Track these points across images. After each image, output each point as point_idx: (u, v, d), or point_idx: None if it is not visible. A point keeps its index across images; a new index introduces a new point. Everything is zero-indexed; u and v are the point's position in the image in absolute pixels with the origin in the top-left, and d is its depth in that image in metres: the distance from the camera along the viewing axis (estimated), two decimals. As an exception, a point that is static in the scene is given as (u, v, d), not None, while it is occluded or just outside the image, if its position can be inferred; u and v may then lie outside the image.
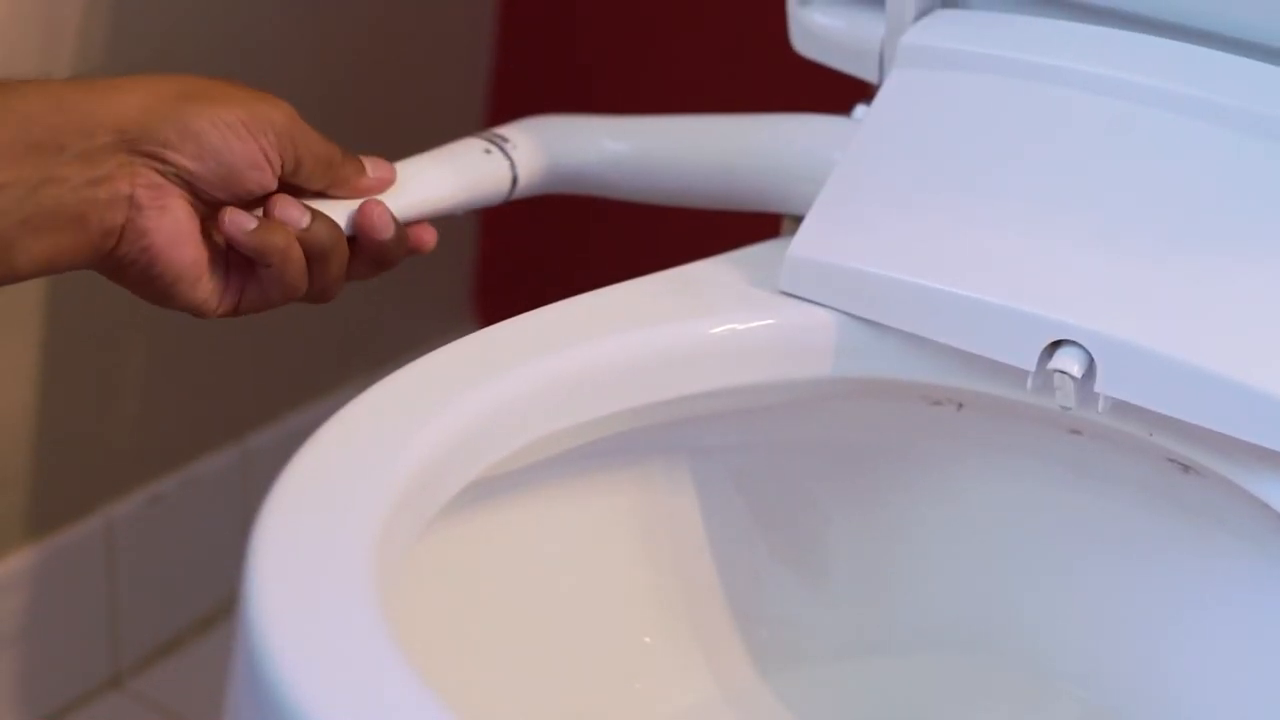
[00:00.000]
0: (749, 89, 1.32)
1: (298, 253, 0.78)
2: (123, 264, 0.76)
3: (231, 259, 0.79)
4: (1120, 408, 0.77)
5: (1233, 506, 0.79)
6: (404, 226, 0.82)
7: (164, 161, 0.75)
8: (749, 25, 1.28)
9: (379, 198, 0.82)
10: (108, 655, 1.26)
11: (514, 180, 0.89)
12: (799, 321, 0.82)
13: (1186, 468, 0.80)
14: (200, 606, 1.32)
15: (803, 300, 0.82)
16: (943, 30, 0.88)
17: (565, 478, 0.81)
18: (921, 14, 0.89)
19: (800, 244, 0.83)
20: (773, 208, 0.92)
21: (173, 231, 0.76)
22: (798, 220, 0.85)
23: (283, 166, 0.78)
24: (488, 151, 0.88)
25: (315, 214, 0.78)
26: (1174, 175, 0.81)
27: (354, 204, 0.81)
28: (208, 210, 0.78)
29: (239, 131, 0.76)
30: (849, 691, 0.88)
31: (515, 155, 0.89)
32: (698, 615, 0.87)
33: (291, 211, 0.78)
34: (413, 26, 1.34)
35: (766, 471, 0.87)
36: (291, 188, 0.80)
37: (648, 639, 0.86)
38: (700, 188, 0.92)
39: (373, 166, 0.82)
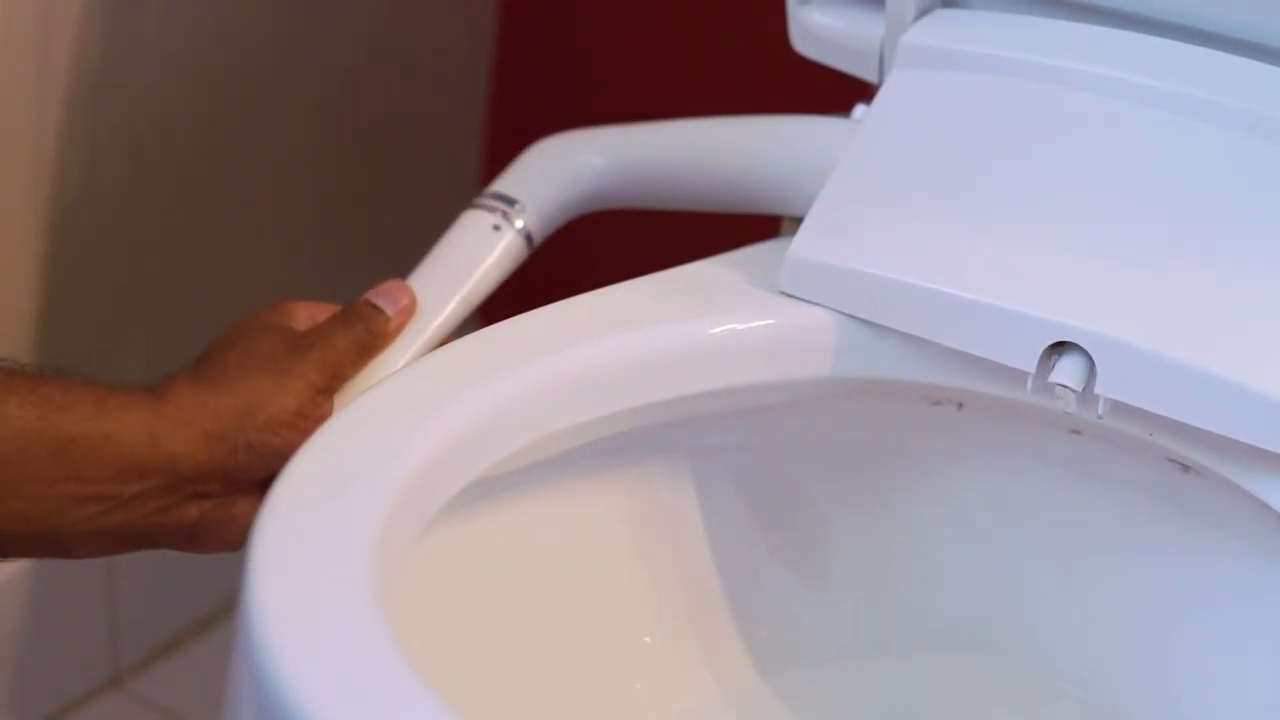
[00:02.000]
0: (749, 89, 1.32)
1: None
2: (183, 550, 0.82)
3: None
4: (1120, 408, 0.77)
5: (1233, 506, 0.79)
6: None
7: (234, 479, 0.79)
8: (749, 25, 1.28)
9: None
10: (108, 655, 1.26)
11: (529, 241, 0.89)
12: (799, 321, 0.82)
13: (1186, 468, 0.80)
14: (200, 606, 1.32)
15: (803, 300, 0.82)
16: (943, 30, 0.88)
17: (565, 478, 0.81)
18: (921, 14, 0.89)
19: (800, 244, 0.83)
20: (773, 209, 0.92)
21: (235, 533, 0.81)
22: (798, 221, 0.85)
23: (331, 395, 0.81)
24: (496, 228, 0.88)
25: None
26: (1174, 176, 0.81)
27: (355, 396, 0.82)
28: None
29: (294, 424, 0.79)
30: (849, 691, 0.88)
31: (524, 218, 0.89)
32: (698, 615, 0.87)
33: None
34: (413, 26, 1.34)
35: (766, 471, 0.87)
36: None
37: (648, 639, 0.86)
38: (702, 193, 0.92)
39: (389, 302, 0.83)
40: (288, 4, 1.23)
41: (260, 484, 0.80)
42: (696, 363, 0.80)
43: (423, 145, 1.40)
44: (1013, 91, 0.84)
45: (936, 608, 0.89)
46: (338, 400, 0.81)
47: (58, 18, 1.09)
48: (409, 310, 0.84)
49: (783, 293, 0.83)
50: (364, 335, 0.82)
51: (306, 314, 0.84)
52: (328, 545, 0.66)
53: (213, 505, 0.80)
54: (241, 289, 1.27)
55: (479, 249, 0.88)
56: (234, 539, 0.81)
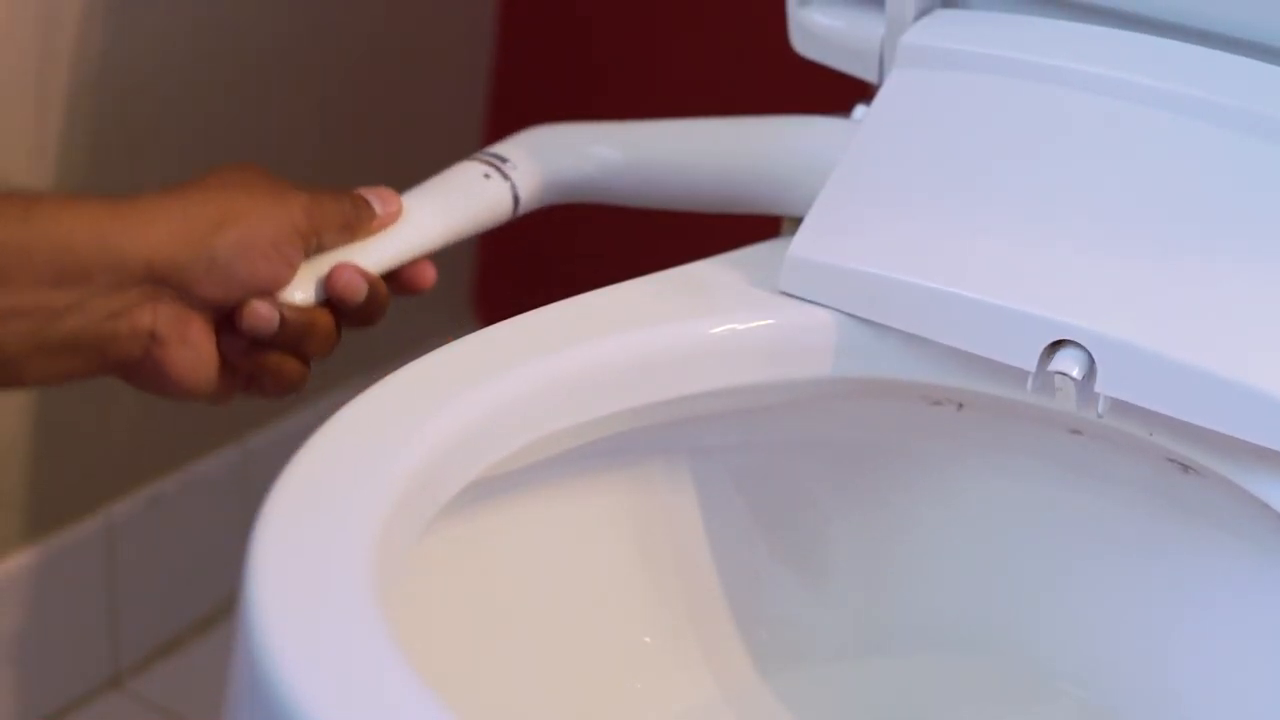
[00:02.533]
0: (749, 89, 1.32)
1: (300, 375, 0.80)
2: (136, 379, 0.78)
3: (238, 365, 0.80)
4: (1120, 407, 0.77)
5: (1233, 506, 0.79)
6: (379, 280, 0.82)
7: (190, 293, 0.77)
8: (749, 25, 1.28)
9: (349, 260, 0.81)
10: (108, 655, 1.26)
11: (515, 201, 0.89)
12: (799, 321, 0.82)
13: (1186, 468, 0.80)
14: (200, 606, 1.32)
15: (803, 300, 0.82)
16: (943, 30, 0.88)
17: (565, 478, 0.81)
18: (921, 14, 0.89)
19: (800, 244, 0.83)
20: (773, 209, 0.92)
21: (191, 361, 0.77)
22: (798, 221, 0.85)
23: (305, 254, 0.80)
24: (487, 176, 0.88)
25: (283, 314, 0.79)
26: (1174, 175, 0.81)
27: (324, 269, 0.81)
28: (222, 312, 0.79)
29: (266, 253, 0.77)
30: (849, 691, 0.88)
31: (515, 175, 0.89)
32: (698, 615, 0.87)
33: (259, 319, 0.78)
34: (413, 26, 1.34)
35: (766, 471, 0.87)
36: None
37: (648, 639, 0.86)
38: (702, 192, 0.92)
39: (380, 202, 0.83)
40: (288, 3, 1.23)
41: (217, 314, 0.78)
42: (696, 363, 0.81)
43: (422, 145, 1.40)
44: (1013, 91, 0.84)
45: (936, 608, 0.89)
46: (300, 273, 0.79)
47: (59, 17, 1.09)
48: (393, 217, 0.83)
49: (783, 293, 0.83)
50: (350, 214, 0.81)
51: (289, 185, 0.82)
52: (328, 545, 0.66)
53: (168, 316, 0.76)
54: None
55: (466, 189, 0.88)
56: (190, 369, 0.77)
